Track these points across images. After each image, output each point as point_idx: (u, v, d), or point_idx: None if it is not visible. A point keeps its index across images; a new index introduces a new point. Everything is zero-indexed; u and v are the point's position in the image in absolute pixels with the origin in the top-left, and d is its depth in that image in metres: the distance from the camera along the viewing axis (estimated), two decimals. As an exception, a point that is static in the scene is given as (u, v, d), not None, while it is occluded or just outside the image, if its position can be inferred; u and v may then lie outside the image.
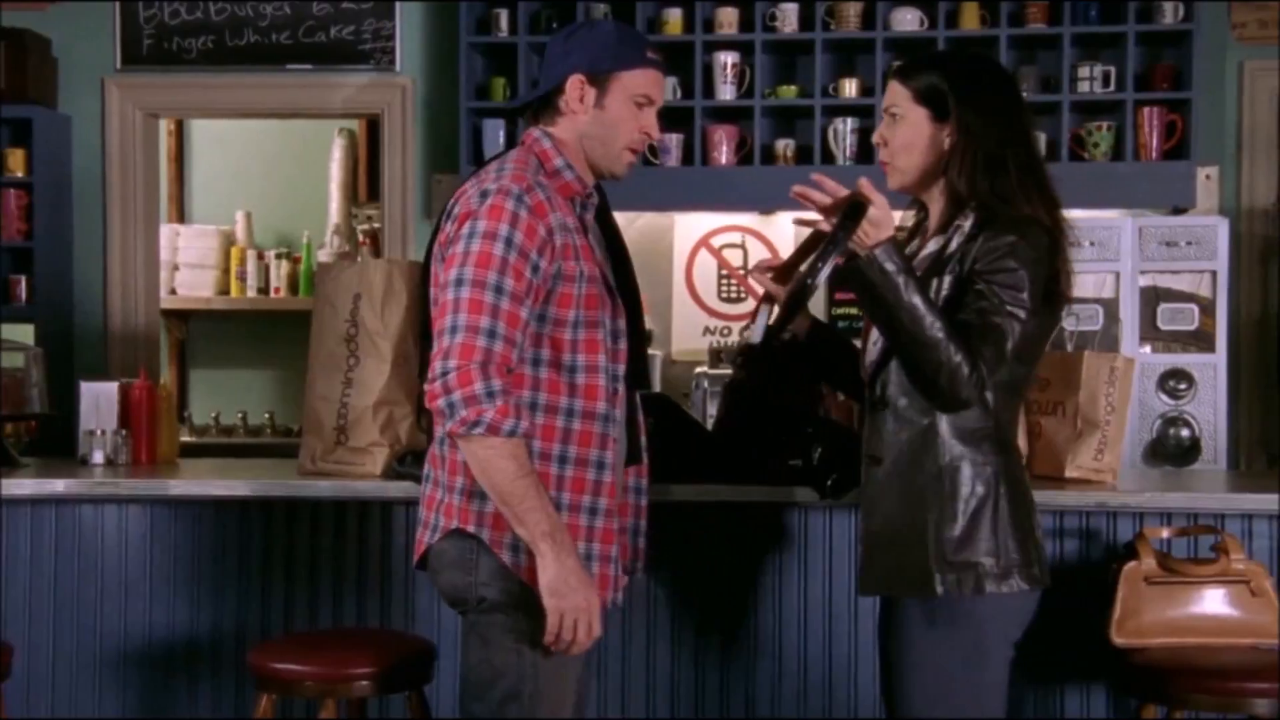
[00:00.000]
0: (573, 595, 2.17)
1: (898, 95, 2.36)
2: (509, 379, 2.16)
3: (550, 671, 2.24)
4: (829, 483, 2.83)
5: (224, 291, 5.94)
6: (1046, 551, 2.40)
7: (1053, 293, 2.29)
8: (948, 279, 2.26)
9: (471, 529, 2.23)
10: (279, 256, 5.91)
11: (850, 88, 4.69)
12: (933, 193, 2.38)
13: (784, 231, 4.97)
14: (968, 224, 2.29)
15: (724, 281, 5.04)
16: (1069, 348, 4.17)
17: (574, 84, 2.29)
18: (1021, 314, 2.21)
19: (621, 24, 2.45)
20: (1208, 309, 4.36)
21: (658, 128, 2.35)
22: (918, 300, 2.19)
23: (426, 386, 2.15)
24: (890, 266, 2.20)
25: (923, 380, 2.23)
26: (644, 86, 2.31)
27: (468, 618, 2.29)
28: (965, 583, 2.24)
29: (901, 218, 2.49)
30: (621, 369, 2.30)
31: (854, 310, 4.65)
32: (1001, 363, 2.21)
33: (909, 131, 2.34)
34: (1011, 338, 2.21)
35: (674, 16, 4.72)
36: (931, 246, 2.35)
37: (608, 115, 2.30)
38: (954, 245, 2.29)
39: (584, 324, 2.24)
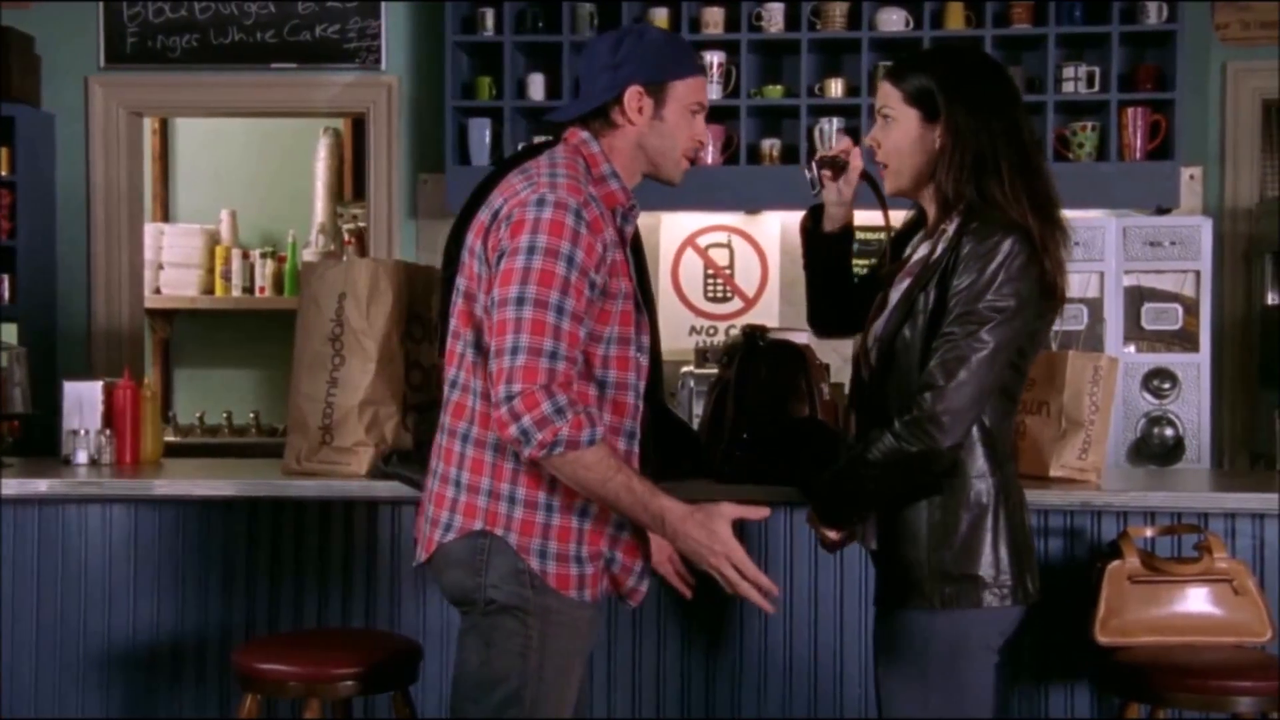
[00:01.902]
0: (709, 553, 2.17)
1: (889, 97, 2.34)
2: (573, 392, 2.14)
3: (553, 677, 2.23)
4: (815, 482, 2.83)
5: (209, 291, 5.92)
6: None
7: (1040, 295, 2.24)
8: (933, 293, 2.23)
9: (499, 531, 2.20)
10: (264, 256, 5.90)
11: (836, 88, 4.71)
12: (925, 194, 2.36)
13: (770, 231, 4.98)
14: (951, 228, 2.26)
15: (710, 281, 5.05)
16: (1054, 347, 4.18)
17: (633, 95, 2.27)
18: (986, 334, 2.17)
19: (667, 32, 2.43)
20: (1191, 309, 4.38)
21: (707, 132, 2.38)
22: (854, 477, 2.27)
23: (495, 414, 2.12)
24: (834, 512, 2.33)
25: (919, 478, 2.24)
26: (697, 94, 2.32)
27: (469, 618, 2.25)
28: (965, 597, 2.24)
29: (903, 221, 2.49)
30: (643, 385, 2.30)
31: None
32: (966, 386, 2.17)
33: (900, 134, 2.33)
34: (975, 362, 2.17)
35: (660, 16, 4.72)
36: (921, 251, 2.33)
37: (666, 125, 2.29)
38: (939, 251, 2.27)
39: (618, 340, 2.24)
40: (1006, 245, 2.19)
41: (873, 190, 2.49)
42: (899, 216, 2.50)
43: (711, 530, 2.17)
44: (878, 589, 2.38)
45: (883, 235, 2.50)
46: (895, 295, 2.33)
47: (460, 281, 2.26)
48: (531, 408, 2.09)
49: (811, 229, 2.59)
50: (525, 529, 2.20)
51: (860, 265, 2.72)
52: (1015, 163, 2.26)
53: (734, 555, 2.18)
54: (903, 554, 2.28)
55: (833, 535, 2.38)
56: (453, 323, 2.28)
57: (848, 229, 2.58)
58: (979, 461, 2.26)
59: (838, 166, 2.52)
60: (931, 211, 2.35)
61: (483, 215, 2.25)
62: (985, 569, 2.24)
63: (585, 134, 2.30)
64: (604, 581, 2.29)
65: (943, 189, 2.28)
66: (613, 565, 2.29)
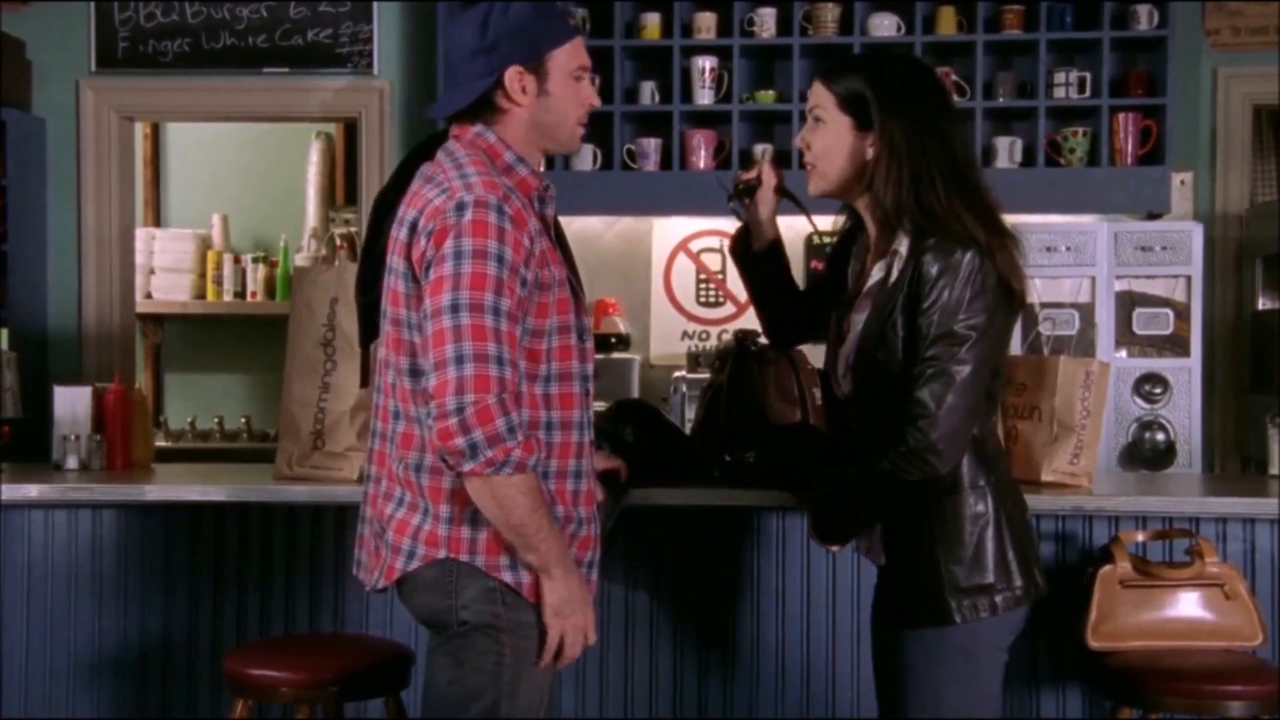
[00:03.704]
0: (575, 615, 2.17)
1: (821, 98, 2.34)
2: (522, 405, 2.08)
3: (526, 690, 2.20)
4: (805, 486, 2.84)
5: (200, 295, 5.91)
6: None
7: (1001, 302, 2.23)
8: (900, 318, 2.23)
9: (464, 558, 2.14)
10: (255, 260, 5.89)
11: (828, 93, 4.70)
12: (860, 203, 2.36)
13: (762, 236, 4.98)
14: (903, 248, 2.26)
15: (702, 286, 5.05)
16: (1045, 352, 4.19)
17: (513, 76, 2.16)
18: (966, 354, 2.18)
19: None
20: (1182, 313, 4.39)
21: (595, 93, 2.28)
22: (852, 499, 2.30)
23: (436, 424, 2.01)
24: (833, 532, 2.36)
25: (919, 501, 2.26)
26: (577, 58, 2.21)
27: (438, 638, 2.21)
28: (980, 607, 2.25)
29: (833, 223, 2.53)
30: (590, 368, 2.25)
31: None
32: (956, 409, 2.18)
33: (830, 137, 2.33)
34: (960, 381, 2.18)
35: (652, 21, 4.72)
36: (876, 274, 2.33)
37: (554, 100, 2.19)
38: (895, 273, 2.27)
39: (558, 330, 2.18)
40: (967, 260, 2.19)
41: (794, 204, 2.59)
42: (824, 221, 2.57)
43: (587, 599, 2.20)
44: (883, 606, 2.38)
45: (826, 240, 2.55)
46: (859, 319, 2.33)
47: (385, 307, 2.18)
48: (485, 422, 2.00)
49: (743, 251, 2.64)
50: (490, 548, 2.15)
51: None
52: (949, 175, 2.25)
53: (589, 629, 2.21)
54: (912, 572, 2.29)
55: (834, 548, 2.43)
56: (383, 352, 2.19)
57: (776, 244, 2.63)
58: (973, 472, 2.27)
59: (753, 190, 2.61)
60: (870, 223, 2.36)
61: (398, 233, 2.15)
62: (997, 576, 2.26)
63: (478, 126, 2.19)
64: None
65: (882, 202, 2.28)
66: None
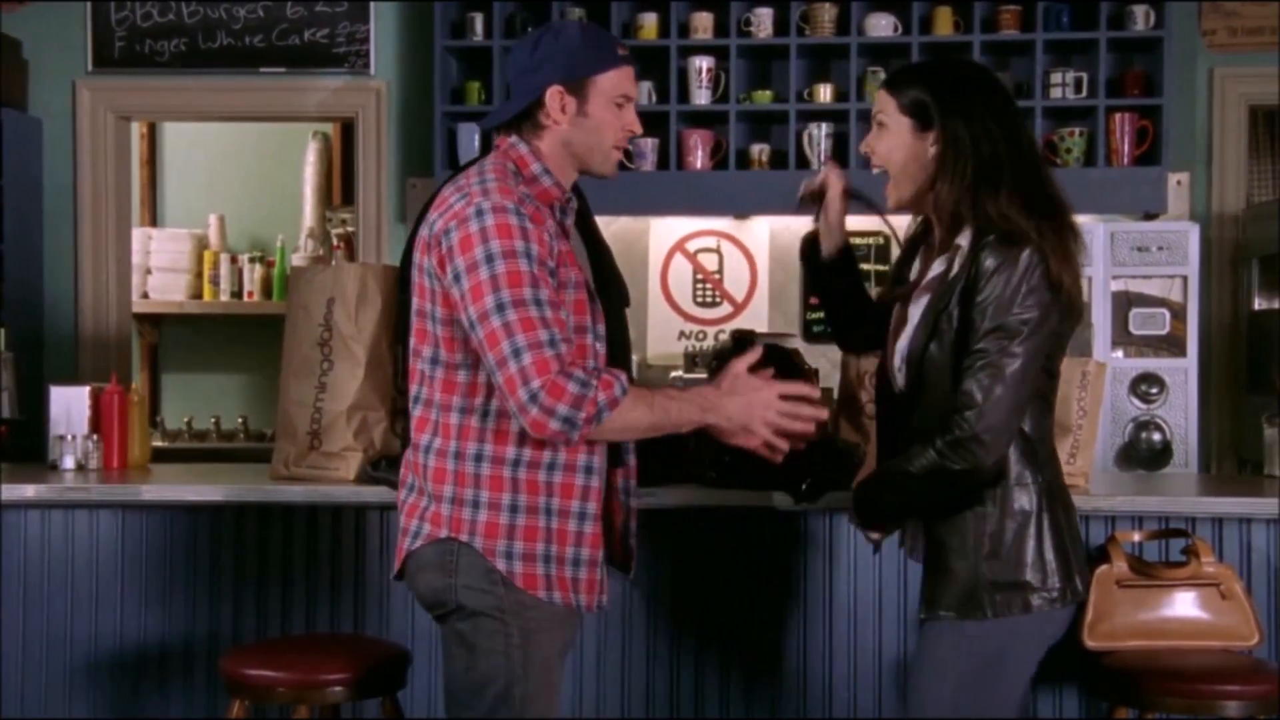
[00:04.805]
0: (746, 430, 2.25)
1: (886, 104, 2.36)
2: (583, 363, 2.20)
3: (537, 671, 2.25)
4: (804, 487, 2.83)
5: (197, 295, 5.91)
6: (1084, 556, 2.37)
7: (1059, 300, 2.24)
8: (956, 311, 2.25)
9: (464, 537, 2.23)
10: (252, 260, 5.89)
11: (825, 93, 4.71)
12: (929, 207, 2.37)
13: (759, 236, 4.98)
14: (965, 243, 2.28)
15: (699, 286, 5.05)
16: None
17: (553, 95, 2.28)
18: (1017, 347, 2.19)
19: (586, 24, 2.44)
20: (1179, 314, 4.40)
21: (638, 121, 2.38)
22: (896, 489, 2.31)
23: (524, 420, 2.13)
24: (874, 519, 2.38)
25: (963, 492, 2.27)
26: (621, 86, 2.32)
27: (448, 624, 2.27)
28: (1013, 603, 2.24)
29: (905, 231, 2.51)
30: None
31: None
32: (1004, 401, 2.19)
33: (893, 140, 2.34)
34: (1009, 374, 2.19)
35: (649, 21, 4.72)
36: (937, 268, 2.34)
37: (591, 121, 2.31)
38: (956, 267, 2.28)
39: (574, 330, 2.25)
40: (1025, 257, 2.20)
41: (866, 205, 2.54)
42: (900, 221, 2.52)
43: (744, 399, 2.23)
44: (924, 597, 2.36)
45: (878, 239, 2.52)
46: (916, 312, 2.34)
47: (414, 301, 2.30)
48: (559, 395, 2.11)
49: (811, 257, 2.63)
50: (490, 531, 2.23)
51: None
52: (1015, 171, 2.26)
53: (770, 407, 2.24)
54: (950, 566, 2.29)
55: (874, 536, 2.44)
56: (412, 342, 2.31)
57: (846, 251, 2.60)
58: (1020, 468, 2.27)
59: (819, 197, 2.58)
60: (937, 224, 2.37)
61: (423, 232, 2.28)
62: (1032, 574, 2.25)
63: (513, 138, 2.32)
64: (574, 587, 2.28)
65: (944, 201, 2.29)
66: (579, 567, 2.28)
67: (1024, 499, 2.26)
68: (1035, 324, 2.20)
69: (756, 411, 2.23)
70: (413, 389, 2.32)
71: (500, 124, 2.35)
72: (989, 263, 2.21)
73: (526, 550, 2.24)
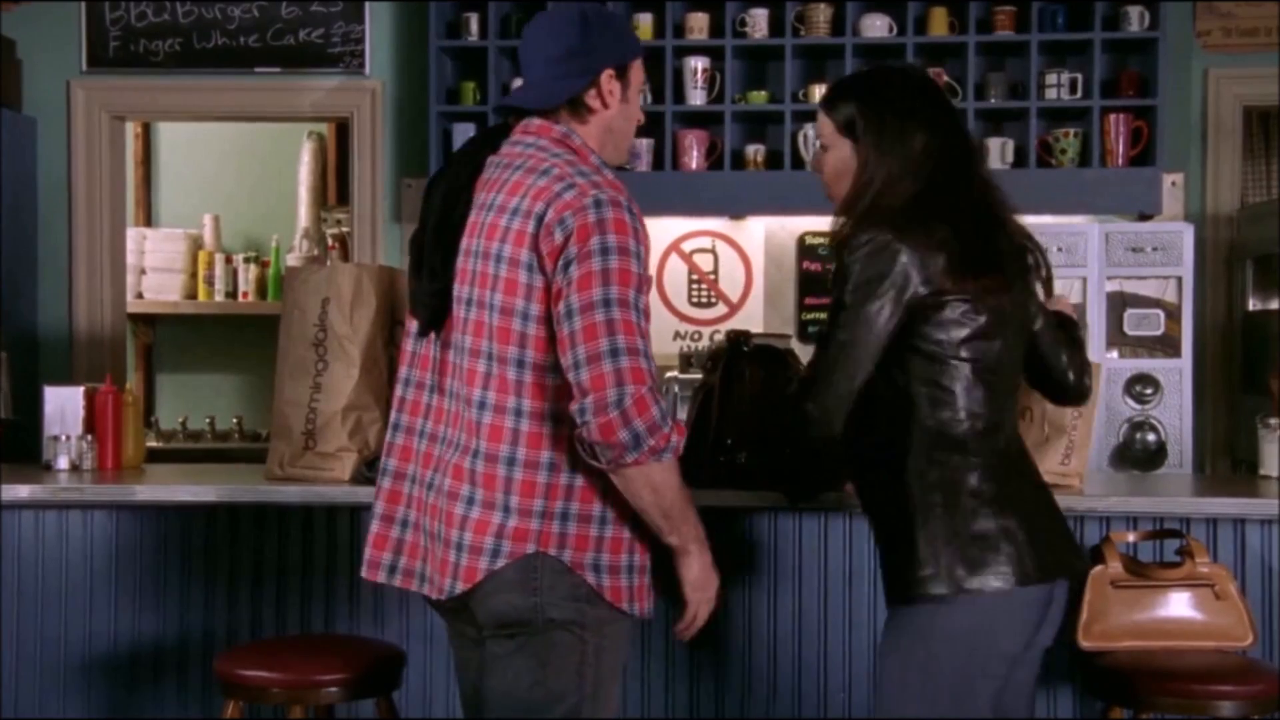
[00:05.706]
0: (709, 588, 2.28)
1: (824, 127, 2.37)
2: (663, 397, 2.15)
3: (605, 694, 2.20)
4: (797, 486, 2.84)
5: (191, 295, 5.90)
6: (1012, 551, 2.25)
7: (906, 283, 2.20)
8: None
9: (552, 551, 2.13)
10: (247, 260, 5.88)
11: (820, 93, 4.69)
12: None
13: (754, 236, 4.98)
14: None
15: (694, 286, 5.05)
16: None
17: (607, 79, 2.20)
18: (841, 318, 2.21)
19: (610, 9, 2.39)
20: (1173, 314, 4.40)
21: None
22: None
23: (595, 419, 2.03)
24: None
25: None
26: (642, 73, 2.29)
27: (517, 639, 2.16)
28: (914, 593, 2.23)
29: (830, 224, 2.49)
30: None
31: (823, 315, 4.67)
32: (826, 368, 2.24)
33: (836, 162, 2.36)
34: (832, 344, 2.23)
35: (644, 21, 4.72)
36: None
37: (630, 108, 2.25)
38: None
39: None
40: (863, 238, 2.22)
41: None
42: (822, 222, 2.57)
43: (715, 575, 2.29)
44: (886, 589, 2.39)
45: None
46: None
47: (483, 294, 2.14)
48: (643, 411, 2.04)
49: None
50: (580, 544, 2.15)
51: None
52: (923, 174, 2.26)
53: (714, 601, 2.31)
54: (880, 555, 2.35)
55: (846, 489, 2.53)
56: (476, 341, 2.15)
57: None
58: (915, 460, 2.25)
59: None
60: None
61: (508, 222, 2.13)
62: (926, 567, 2.21)
63: (561, 125, 2.20)
64: (648, 594, 2.27)
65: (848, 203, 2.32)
66: (645, 575, 2.26)
67: (916, 490, 2.24)
68: (863, 299, 2.20)
69: (708, 592, 2.29)
70: (472, 392, 2.14)
71: (550, 107, 2.21)
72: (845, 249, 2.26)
73: (613, 562, 2.18)
